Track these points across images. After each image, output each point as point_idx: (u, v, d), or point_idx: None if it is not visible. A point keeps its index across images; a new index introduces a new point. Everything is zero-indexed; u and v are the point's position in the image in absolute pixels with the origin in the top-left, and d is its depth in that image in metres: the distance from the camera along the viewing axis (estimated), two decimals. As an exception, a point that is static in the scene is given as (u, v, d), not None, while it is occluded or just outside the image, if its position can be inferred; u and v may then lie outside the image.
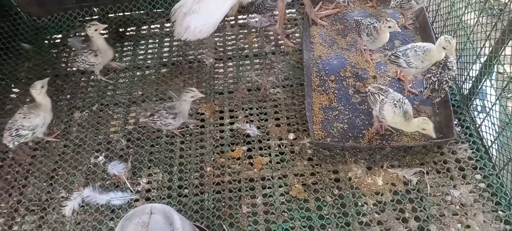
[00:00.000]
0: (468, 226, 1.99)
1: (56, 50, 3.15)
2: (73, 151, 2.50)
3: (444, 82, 2.18)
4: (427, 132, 2.04)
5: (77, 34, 3.21)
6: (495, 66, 2.14)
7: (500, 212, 2.01)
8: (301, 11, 3.14)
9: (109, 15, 3.25)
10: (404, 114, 2.06)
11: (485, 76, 2.15)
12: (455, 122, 2.30)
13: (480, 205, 2.05)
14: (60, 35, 3.26)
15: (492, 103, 2.11)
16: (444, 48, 2.13)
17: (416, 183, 2.14)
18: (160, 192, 2.27)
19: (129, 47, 3.10)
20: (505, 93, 2.08)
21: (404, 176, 2.17)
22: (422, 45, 2.28)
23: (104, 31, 3.21)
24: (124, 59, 3.02)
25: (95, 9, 3.29)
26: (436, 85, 2.19)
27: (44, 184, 2.37)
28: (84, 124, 2.63)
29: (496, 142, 2.14)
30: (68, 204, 2.23)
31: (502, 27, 1.99)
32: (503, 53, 2.00)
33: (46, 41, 3.23)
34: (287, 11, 3.17)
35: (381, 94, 2.16)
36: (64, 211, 2.21)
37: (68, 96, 2.80)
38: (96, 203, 2.23)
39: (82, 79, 2.92)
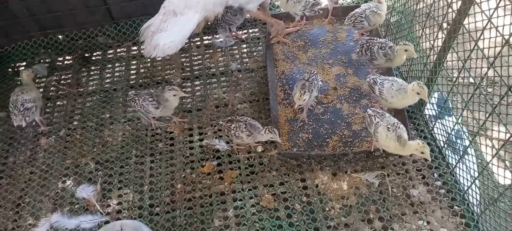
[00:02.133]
0: (428, 222, 2.11)
1: (20, 78, 3.11)
2: (40, 177, 2.47)
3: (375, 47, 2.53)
4: (425, 156, 2.04)
5: (41, 61, 3.20)
6: (440, 72, 2.32)
7: (456, 207, 2.15)
8: (263, 30, 3.28)
9: (74, 41, 3.27)
10: (397, 139, 2.07)
11: (433, 82, 2.32)
12: (410, 126, 2.46)
13: (437, 202, 2.18)
14: (24, 63, 3.24)
15: (442, 107, 2.28)
16: (418, 93, 2.17)
17: (378, 185, 2.26)
18: (131, 212, 2.27)
19: (95, 71, 3.12)
20: (452, 97, 2.26)
21: (367, 179, 2.29)
22: (400, 82, 2.30)
23: (69, 57, 3.24)
24: (91, 82, 3.03)
25: (60, 36, 3.30)
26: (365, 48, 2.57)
27: (10, 212, 2.31)
28: (50, 150, 2.61)
29: (447, 142, 2.30)
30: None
31: (443, 37, 2.18)
32: (446, 60, 2.19)
33: (10, 69, 3.20)
34: (250, 30, 3.30)
35: (377, 117, 2.19)
36: (32, 238, 2.17)
37: (34, 123, 2.77)
38: (65, 228, 2.20)
39: (48, 104, 2.90)
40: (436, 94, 2.45)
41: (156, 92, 2.49)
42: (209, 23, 3.02)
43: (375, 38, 2.66)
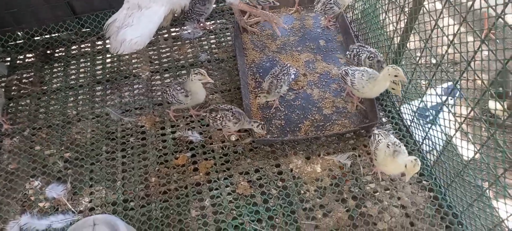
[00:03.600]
0: (399, 198, 2.19)
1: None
2: (6, 179, 2.36)
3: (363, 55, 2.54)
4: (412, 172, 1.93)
5: (0, 60, 3.05)
6: (403, 54, 2.41)
7: (424, 182, 2.25)
8: (231, 20, 3.27)
9: (35, 38, 3.13)
10: (393, 153, 2.00)
11: (398, 64, 2.41)
12: (378, 107, 2.54)
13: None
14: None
15: (406, 87, 2.37)
16: (395, 75, 2.16)
17: (350, 166, 2.32)
18: (105, 208, 2.22)
19: (59, 68, 3.01)
20: (415, 77, 2.34)
21: (339, 161, 2.34)
22: (370, 72, 2.34)
23: (30, 55, 3.11)
24: (55, 80, 2.92)
25: (19, 33, 3.16)
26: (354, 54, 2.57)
27: (-25, 218, 2.21)
28: (15, 151, 2.50)
29: (413, 120, 2.40)
30: (4, 238, 2.10)
31: (405, 19, 2.27)
32: (408, 41, 2.27)
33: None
34: (218, 21, 3.28)
35: (381, 135, 2.13)
36: (0, 243, 2.08)
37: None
38: (35, 229, 2.12)
39: (11, 104, 2.77)
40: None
41: (183, 81, 2.41)
42: (176, 15, 2.98)
43: (366, 46, 2.59)
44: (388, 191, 2.22)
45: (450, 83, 2.19)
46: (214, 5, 2.98)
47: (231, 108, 2.36)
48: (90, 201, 2.25)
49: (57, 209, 2.22)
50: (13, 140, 2.55)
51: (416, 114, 2.32)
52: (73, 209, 2.20)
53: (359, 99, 2.57)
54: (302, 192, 2.24)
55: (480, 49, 1.65)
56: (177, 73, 2.93)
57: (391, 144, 2.04)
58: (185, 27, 3.20)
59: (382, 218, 2.11)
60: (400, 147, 2.03)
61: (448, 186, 2.13)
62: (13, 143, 2.54)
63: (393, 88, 2.25)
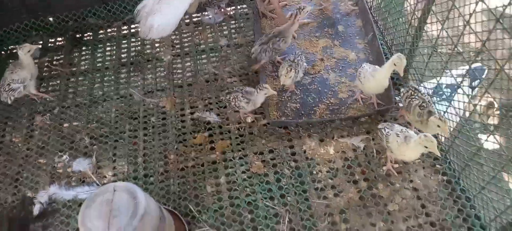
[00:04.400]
0: (411, 181, 2.20)
1: (12, 60, 3.16)
2: (37, 153, 2.54)
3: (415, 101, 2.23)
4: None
5: (33, 43, 3.23)
6: (421, 37, 2.39)
7: (437, 166, 2.24)
8: (251, 6, 3.32)
9: (65, 23, 3.31)
10: (405, 140, 2.00)
11: (416, 44, 2.39)
12: (395, 92, 2.53)
13: (420, 162, 2.27)
14: (17, 46, 3.27)
15: (424, 69, 2.35)
16: (394, 64, 2.15)
17: (363, 149, 2.34)
18: (126, 182, 2.34)
19: (87, 52, 3.18)
20: (432, 58, 2.31)
21: (352, 144, 2.37)
22: (375, 68, 2.33)
23: (60, 39, 3.28)
24: (83, 62, 3.09)
25: (50, 18, 3.34)
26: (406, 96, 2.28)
27: (9, 186, 2.39)
28: (45, 127, 2.67)
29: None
30: (35, 204, 2.27)
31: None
32: (425, 23, 2.25)
33: (3, 52, 3.25)
34: (239, 6, 3.34)
35: (387, 128, 2.13)
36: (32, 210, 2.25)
37: (28, 101, 2.83)
38: (63, 199, 2.28)
39: (42, 84, 2.96)
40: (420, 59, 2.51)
41: (246, 91, 2.42)
42: (201, 1, 3.08)
43: (422, 92, 2.24)
44: (400, 174, 2.23)
45: (466, 66, 2.16)
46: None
47: (242, 89, 2.42)
48: (114, 175, 2.39)
49: (83, 181, 2.37)
50: (44, 117, 2.73)
51: (433, 98, 2.30)
52: (97, 182, 2.35)
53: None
54: (315, 172, 2.28)
55: (495, 28, 1.63)
56: (197, 57, 3.01)
57: (399, 132, 2.05)
58: (206, 13, 3.29)
59: (393, 199, 2.13)
60: (408, 131, 2.03)
61: (462, 170, 2.12)
62: (43, 120, 2.71)
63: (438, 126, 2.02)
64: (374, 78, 2.29)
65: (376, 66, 2.36)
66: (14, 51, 3.24)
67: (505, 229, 1.81)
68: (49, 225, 2.20)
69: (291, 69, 2.44)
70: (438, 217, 2.04)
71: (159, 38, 2.94)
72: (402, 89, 2.33)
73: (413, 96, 2.20)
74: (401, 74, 2.21)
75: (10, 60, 3.15)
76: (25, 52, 2.63)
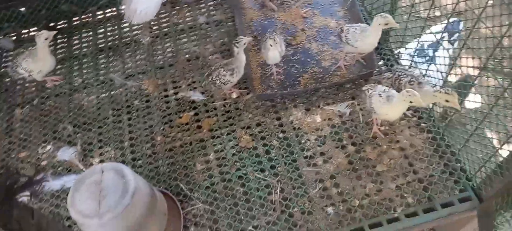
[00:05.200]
0: (398, 141, 2.23)
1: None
2: (19, 145, 2.48)
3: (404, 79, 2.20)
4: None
5: (6, 35, 3.13)
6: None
7: (422, 124, 2.28)
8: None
9: (37, 12, 3.20)
10: (387, 99, 2.01)
11: (395, 6, 2.40)
12: (377, 57, 2.55)
13: (405, 122, 2.30)
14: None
15: (404, 32, 2.37)
16: (386, 24, 2.15)
17: (349, 114, 2.36)
18: (114, 167, 2.32)
19: (63, 39, 3.08)
20: (411, 24, 2.33)
21: (338, 110, 2.38)
22: (364, 26, 2.32)
23: (34, 29, 3.18)
24: (59, 51, 3.00)
25: (22, 9, 3.22)
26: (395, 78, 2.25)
27: (-7, 182, 2.33)
28: (26, 119, 2.61)
29: (412, 65, 2.41)
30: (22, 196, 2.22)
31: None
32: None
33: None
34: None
35: (370, 89, 2.14)
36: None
37: (5, 95, 2.75)
38: (50, 189, 2.24)
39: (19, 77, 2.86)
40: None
41: (225, 63, 2.36)
42: None
43: (410, 70, 2.27)
44: (387, 136, 2.26)
45: (445, 21, 2.18)
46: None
47: (220, 64, 2.37)
48: (100, 161, 2.35)
49: (69, 170, 2.33)
50: (24, 109, 2.66)
51: (414, 57, 2.33)
52: (84, 169, 2.31)
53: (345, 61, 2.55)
54: (303, 141, 2.29)
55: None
56: (177, 37, 2.96)
57: (382, 92, 2.06)
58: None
59: (381, 161, 2.16)
60: (389, 91, 2.05)
61: (446, 126, 2.16)
62: (23, 112, 2.64)
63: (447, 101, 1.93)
64: (358, 42, 2.30)
65: (362, 25, 2.34)
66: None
67: (489, 178, 1.86)
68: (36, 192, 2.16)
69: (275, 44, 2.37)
70: (425, 173, 2.08)
71: (143, 22, 2.87)
72: (386, 74, 2.31)
73: (401, 76, 2.19)
74: (395, 25, 2.14)
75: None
76: (42, 40, 2.47)
